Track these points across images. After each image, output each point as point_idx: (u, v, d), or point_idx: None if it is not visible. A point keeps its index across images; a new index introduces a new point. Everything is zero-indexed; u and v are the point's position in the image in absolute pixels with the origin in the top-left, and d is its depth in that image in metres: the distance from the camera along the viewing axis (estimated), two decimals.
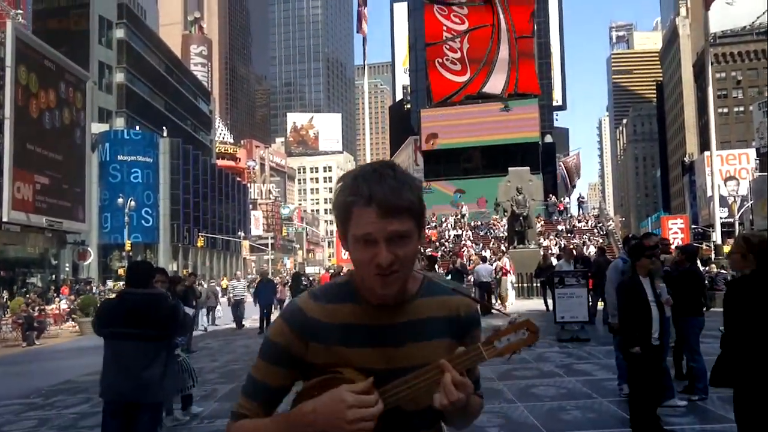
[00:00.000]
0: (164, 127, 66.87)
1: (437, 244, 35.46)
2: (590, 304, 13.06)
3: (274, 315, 17.46)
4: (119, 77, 63.13)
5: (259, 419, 1.39)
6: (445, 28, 53.15)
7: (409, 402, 1.36)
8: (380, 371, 1.35)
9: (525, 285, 25.05)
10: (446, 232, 37.73)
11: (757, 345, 3.12)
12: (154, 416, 4.55)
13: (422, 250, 32.86)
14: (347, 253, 1.38)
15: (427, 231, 37.45)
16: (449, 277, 19.97)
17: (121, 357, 4.36)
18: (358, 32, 41.81)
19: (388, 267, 1.30)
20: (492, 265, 21.85)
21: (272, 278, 22.96)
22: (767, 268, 3.31)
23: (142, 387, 4.31)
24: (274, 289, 19.32)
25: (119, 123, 62.49)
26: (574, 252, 17.32)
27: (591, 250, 26.47)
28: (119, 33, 63.13)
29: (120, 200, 41.52)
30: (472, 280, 20.58)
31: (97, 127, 54.39)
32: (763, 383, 3.06)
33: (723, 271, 20.36)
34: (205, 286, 25.84)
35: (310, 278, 30.48)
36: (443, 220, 40.38)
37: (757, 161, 67.00)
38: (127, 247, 40.01)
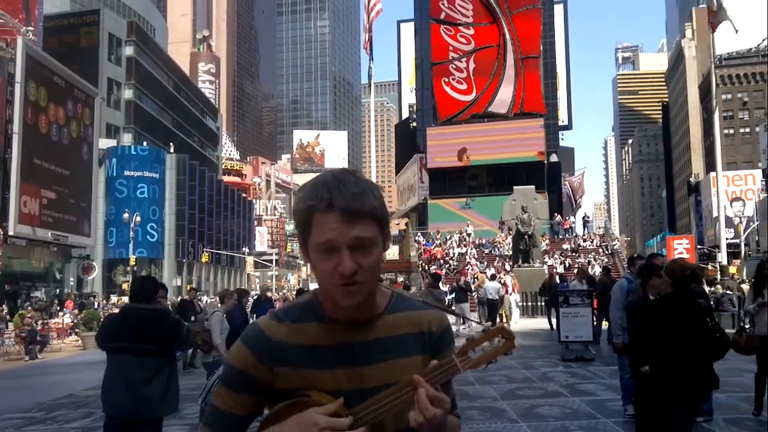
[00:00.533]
0: (171, 143, 67.25)
1: (441, 261, 35.40)
2: (595, 323, 12.99)
3: None
4: (128, 94, 63.67)
5: None
6: (451, 47, 53.49)
7: (390, 421, 1.29)
8: (350, 392, 1.29)
9: (530, 304, 24.94)
10: (451, 250, 37.66)
11: (675, 358, 3.69)
12: (156, 430, 4.53)
13: (426, 268, 32.86)
14: (309, 265, 1.32)
15: (432, 249, 37.41)
16: (452, 294, 19.93)
17: (122, 372, 4.34)
18: (364, 49, 42.17)
19: (351, 276, 1.23)
20: (501, 282, 21.85)
21: (270, 296, 22.69)
22: (682, 292, 4.00)
23: (144, 403, 4.29)
24: (273, 306, 19.22)
25: (127, 139, 62.92)
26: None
27: (596, 270, 26.38)
28: (128, 50, 63.76)
29: (126, 215, 41.66)
30: (477, 298, 20.51)
31: (104, 143, 54.75)
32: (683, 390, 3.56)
33: (729, 291, 20.23)
34: (208, 301, 25.85)
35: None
36: (448, 237, 40.34)
37: (764, 182, 66.84)
38: (132, 261, 40.08)
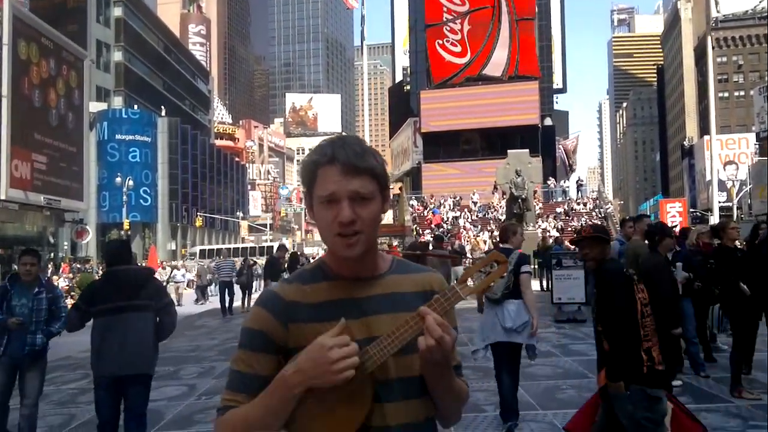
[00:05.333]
0: (162, 107, 66.56)
1: (434, 226, 35.42)
2: (587, 285, 13.12)
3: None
4: (117, 56, 62.74)
5: (246, 405, 1.36)
6: (445, 9, 52.70)
7: (395, 368, 1.37)
8: (361, 341, 1.33)
9: None
10: (445, 214, 37.72)
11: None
12: (147, 387, 4.75)
13: (420, 232, 32.92)
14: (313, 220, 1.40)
15: (430, 216, 37.39)
16: None
17: (116, 330, 4.49)
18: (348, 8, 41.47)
19: (349, 224, 1.33)
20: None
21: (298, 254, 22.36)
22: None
23: (138, 358, 4.52)
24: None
25: (117, 102, 62.22)
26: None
27: None
28: (117, 11, 62.64)
29: (118, 179, 41.45)
30: (472, 261, 20.63)
31: (94, 106, 54.14)
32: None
33: None
34: (204, 265, 25.96)
35: (309, 258, 30.25)
36: (442, 201, 40.34)
37: (757, 146, 66.88)
38: (126, 226, 40.00)
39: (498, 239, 6.32)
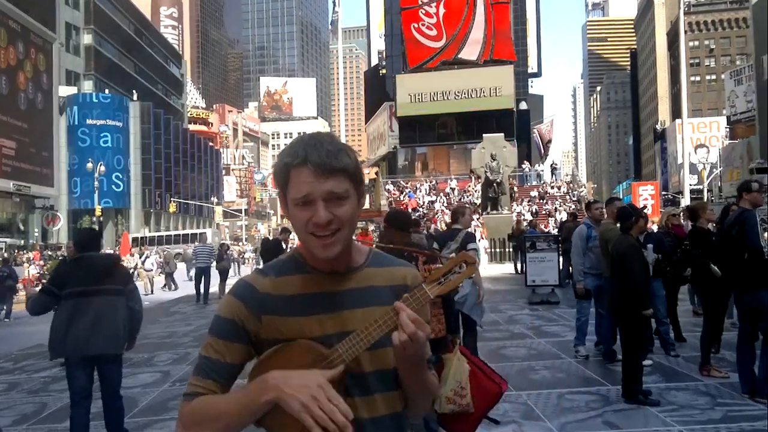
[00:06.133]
0: (134, 91, 65.57)
1: (411, 210, 35.47)
2: (561, 268, 13.26)
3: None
4: (87, 39, 61.52)
5: (215, 395, 1.36)
6: None
7: (368, 361, 1.37)
8: (334, 335, 1.35)
9: (498, 250, 25.31)
10: (421, 198, 37.80)
11: None
12: (120, 365, 4.96)
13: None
14: (288, 218, 1.39)
15: (405, 200, 37.43)
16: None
17: (87, 312, 4.64)
18: None
19: (326, 225, 1.32)
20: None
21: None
22: None
23: (112, 338, 4.72)
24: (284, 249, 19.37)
25: (87, 86, 61.10)
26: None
27: (562, 216, 26.77)
28: None
29: (89, 165, 40.84)
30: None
31: (64, 90, 53.13)
32: None
33: None
34: (172, 252, 25.89)
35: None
36: (418, 186, 40.39)
37: (728, 129, 67.97)
38: (98, 212, 39.46)
39: (451, 221, 6.95)
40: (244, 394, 1.32)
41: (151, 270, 23.73)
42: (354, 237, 1.47)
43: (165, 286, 23.44)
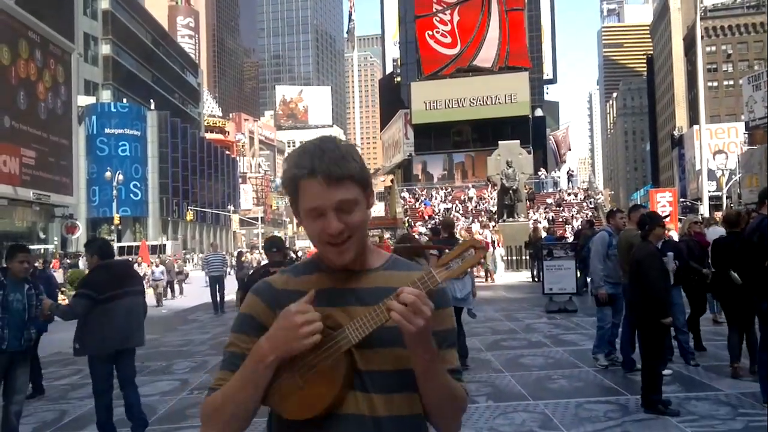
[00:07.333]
0: (151, 100, 66.23)
1: (426, 218, 35.45)
2: (578, 276, 13.16)
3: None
4: (105, 49, 62.30)
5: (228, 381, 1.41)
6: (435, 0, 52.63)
7: (384, 361, 1.38)
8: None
9: (514, 258, 25.19)
10: (436, 206, 37.75)
11: None
12: (134, 356, 5.65)
13: (412, 224, 32.95)
14: (301, 225, 1.43)
15: (421, 208, 37.39)
16: None
17: (121, 312, 5.27)
18: None
19: (339, 235, 1.36)
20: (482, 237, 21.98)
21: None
22: None
23: (137, 333, 5.51)
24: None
25: (105, 96, 61.82)
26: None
27: (577, 223, 26.61)
28: (104, 4, 62.15)
29: (108, 174, 41.25)
30: None
31: (83, 100, 53.76)
32: None
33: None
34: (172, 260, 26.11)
35: (298, 252, 29.45)
36: (434, 194, 40.35)
37: (746, 135, 67.21)
38: (116, 220, 39.84)
39: (446, 234, 8.14)
40: (244, 370, 1.36)
41: (162, 279, 23.13)
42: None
43: (165, 297, 22.62)
